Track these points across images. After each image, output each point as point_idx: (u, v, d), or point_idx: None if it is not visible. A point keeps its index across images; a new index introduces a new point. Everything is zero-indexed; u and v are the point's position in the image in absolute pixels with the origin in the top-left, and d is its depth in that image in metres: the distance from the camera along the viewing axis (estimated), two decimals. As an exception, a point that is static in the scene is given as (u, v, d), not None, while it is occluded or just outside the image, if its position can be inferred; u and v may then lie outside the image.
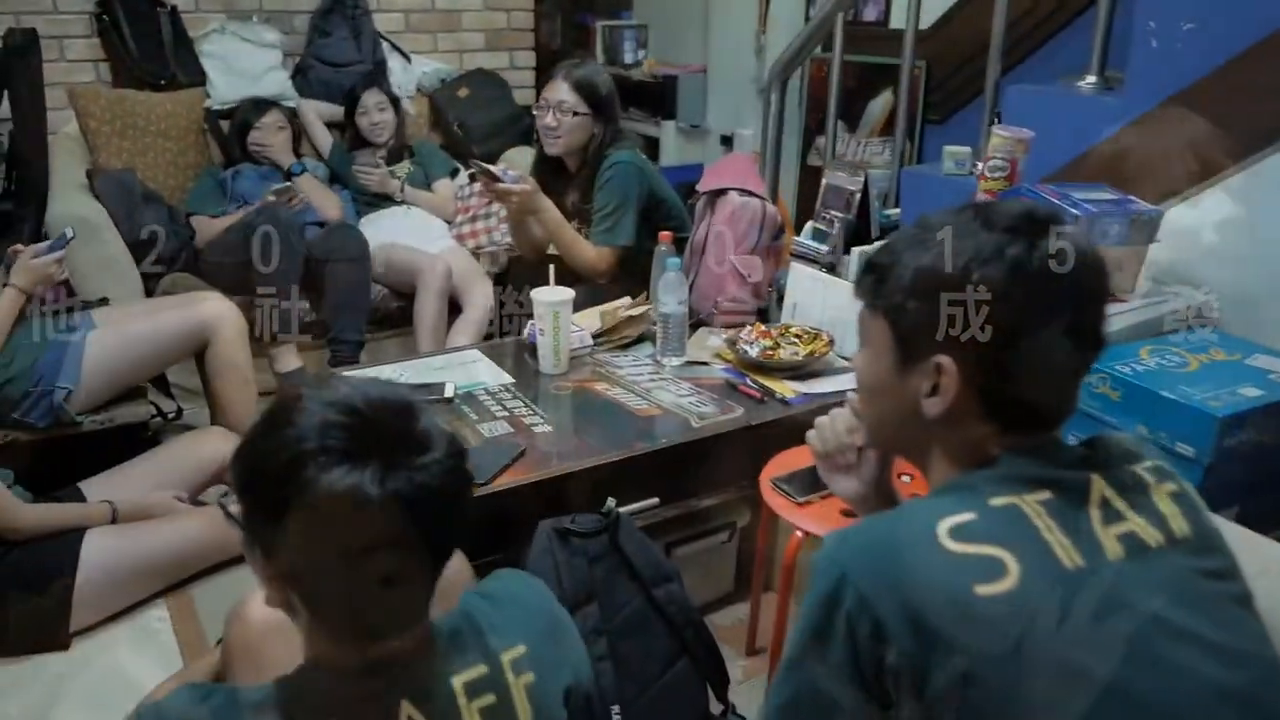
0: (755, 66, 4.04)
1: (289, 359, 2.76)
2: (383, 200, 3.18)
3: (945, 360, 0.85)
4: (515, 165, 3.17)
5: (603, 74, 2.44)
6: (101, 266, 2.64)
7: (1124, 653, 0.74)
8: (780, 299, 2.36)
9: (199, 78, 3.36)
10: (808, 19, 3.82)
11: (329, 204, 3.09)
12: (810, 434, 1.16)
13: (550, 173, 2.46)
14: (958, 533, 0.79)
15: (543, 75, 4.11)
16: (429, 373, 2.04)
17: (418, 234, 3.08)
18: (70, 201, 2.77)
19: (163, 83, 3.30)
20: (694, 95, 4.37)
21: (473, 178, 2.36)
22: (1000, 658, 0.74)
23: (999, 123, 1.84)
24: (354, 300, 2.81)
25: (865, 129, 3.61)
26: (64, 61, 3.28)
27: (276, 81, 3.41)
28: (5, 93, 2.82)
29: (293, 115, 3.35)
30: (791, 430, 1.81)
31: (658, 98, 4.31)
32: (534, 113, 2.46)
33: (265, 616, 1.21)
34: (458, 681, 0.87)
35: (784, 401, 1.87)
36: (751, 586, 1.82)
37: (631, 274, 2.42)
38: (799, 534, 1.42)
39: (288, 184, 2.95)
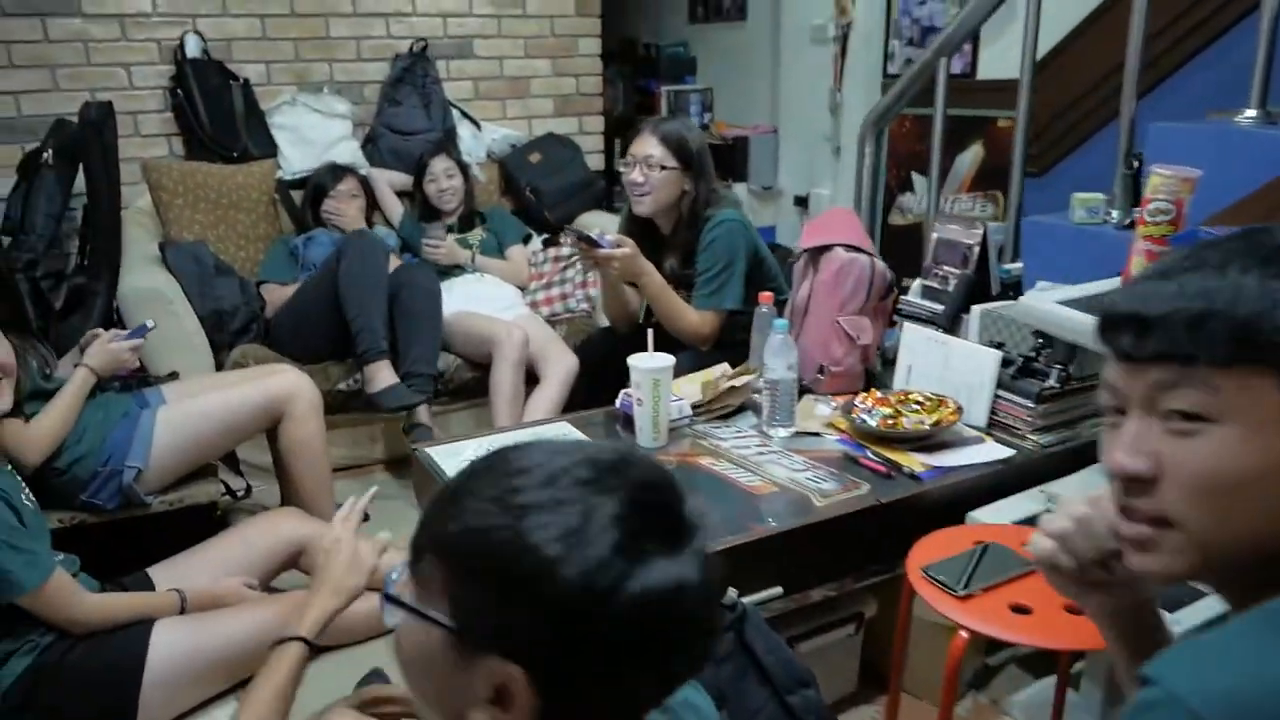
0: (830, 124, 3.93)
1: (383, 375, 2.62)
2: (455, 269, 3.08)
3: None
4: (596, 228, 3.08)
5: (693, 128, 2.33)
6: (173, 340, 2.56)
7: None
8: (886, 362, 2.19)
9: (270, 149, 3.33)
10: (885, 74, 3.71)
11: None
12: (1044, 543, 0.82)
13: (640, 235, 2.32)
14: None
15: (613, 139, 4.08)
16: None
17: (491, 302, 2.96)
18: (143, 275, 2.71)
19: (235, 155, 3.27)
20: (765, 156, 4.27)
21: (575, 240, 2.22)
22: None
23: (1141, 164, 1.67)
24: (427, 332, 2.70)
25: (953, 185, 3.46)
26: (138, 136, 3.27)
27: (348, 151, 3.37)
28: (80, 167, 2.80)
29: (365, 183, 3.30)
30: (925, 509, 1.63)
31: (727, 160, 4.22)
32: (620, 170, 2.35)
33: None
34: None
35: (914, 476, 1.68)
36: (889, 687, 1.60)
37: (726, 339, 2.28)
38: (964, 634, 1.22)
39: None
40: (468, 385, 2.87)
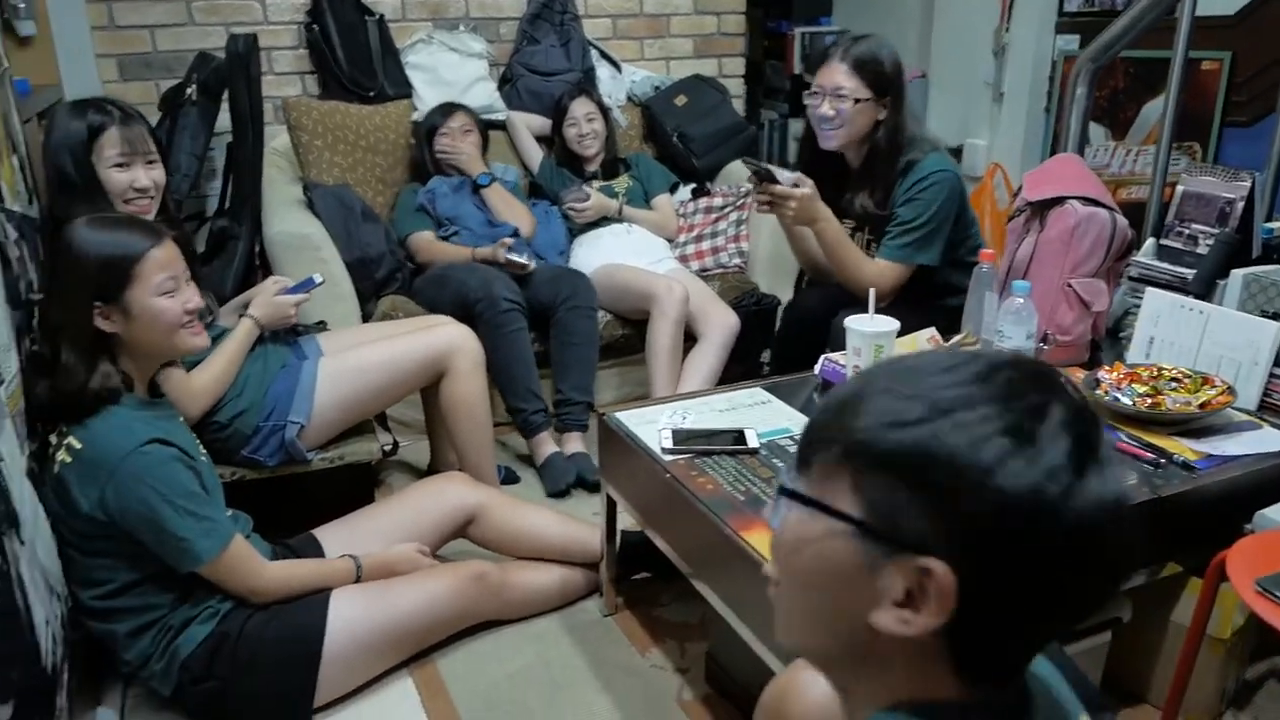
0: (993, 68, 3.62)
1: (546, 447, 2.48)
2: (602, 219, 2.91)
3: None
4: (743, 181, 2.88)
5: (887, 49, 2.09)
6: (320, 289, 2.44)
7: None
8: (1112, 331, 1.96)
9: (405, 89, 3.19)
10: (1061, 14, 3.39)
11: (520, 218, 2.83)
12: None
13: (821, 168, 2.12)
14: None
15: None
16: (715, 415, 1.72)
17: (642, 255, 2.79)
18: (288, 219, 2.61)
19: (371, 95, 3.14)
20: (913, 103, 3.96)
21: (758, 175, 2.03)
22: None
23: None
24: (585, 356, 2.52)
25: (1139, 135, 3.14)
26: (272, 74, 3.16)
27: (484, 92, 3.21)
28: (224, 104, 2.70)
29: (497, 127, 3.14)
30: (1202, 505, 1.42)
31: (873, 106, 3.94)
32: (804, 101, 2.14)
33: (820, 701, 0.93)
34: None
35: (1187, 466, 1.47)
36: (1167, 700, 1.41)
37: (914, 299, 2.07)
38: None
39: (515, 258, 2.60)
40: (618, 342, 2.71)
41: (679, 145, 3.19)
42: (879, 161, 2.08)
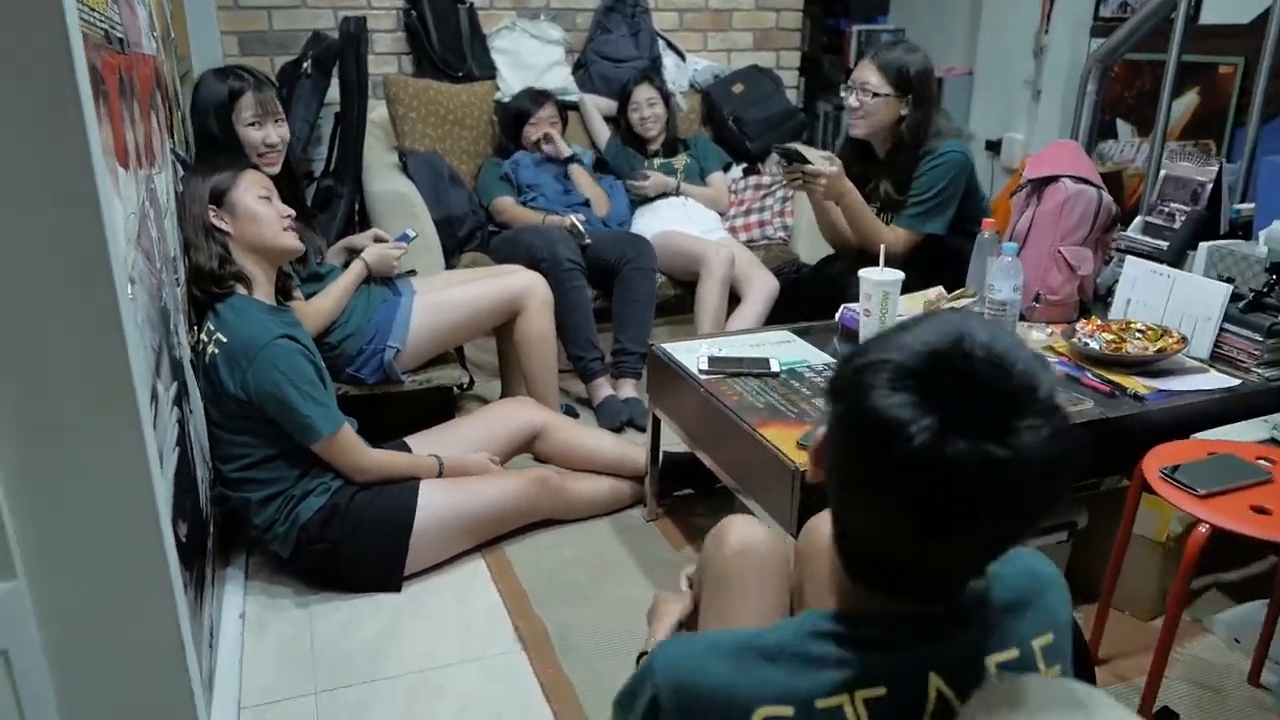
0: (1032, 68, 3.87)
1: (603, 389, 2.78)
2: (661, 194, 3.24)
3: None
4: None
5: (916, 55, 2.38)
6: (413, 241, 2.82)
7: None
8: (1098, 296, 2.23)
9: (490, 71, 3.55)
10: (1096, 20, 3.63)
11: (598, 198, 3.18)
12: None
13: (855, 157, 2.43)
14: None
15: (801, 76, 4.15)
16: (746, 348, 2.05)
17: (695, 224, 3.12)
18: (386, 180, 2.99)
19: (459, 75, 3.50)
20: (958, 99, 4.23)
21: (786, 157, 2.35)
22: None
23: None
24: (643, 313, 2.83)
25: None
26: (372, 54, 3.53)
27: (560, 76, 3.56)
28: (334, 78, 3.09)
29: (571, 108, 3.48)
30: (1146, 428, 1.70)
31: (920, 100, 4.20)
32: (841, 94, 2.46)
33: (741, 543, 1.25)
34: (991, 662, 0.82)
35: (1137, 397, 1.75)
36: (1094, 597, 1.70)
37: (927, 264, 2.36)
38: (1204, 528, 1.31)
39: (579, 228, 2.93)
40: (669, 301, 3.04)
41: (734, 129, 3.51)
42: (901, 153, 2.38)
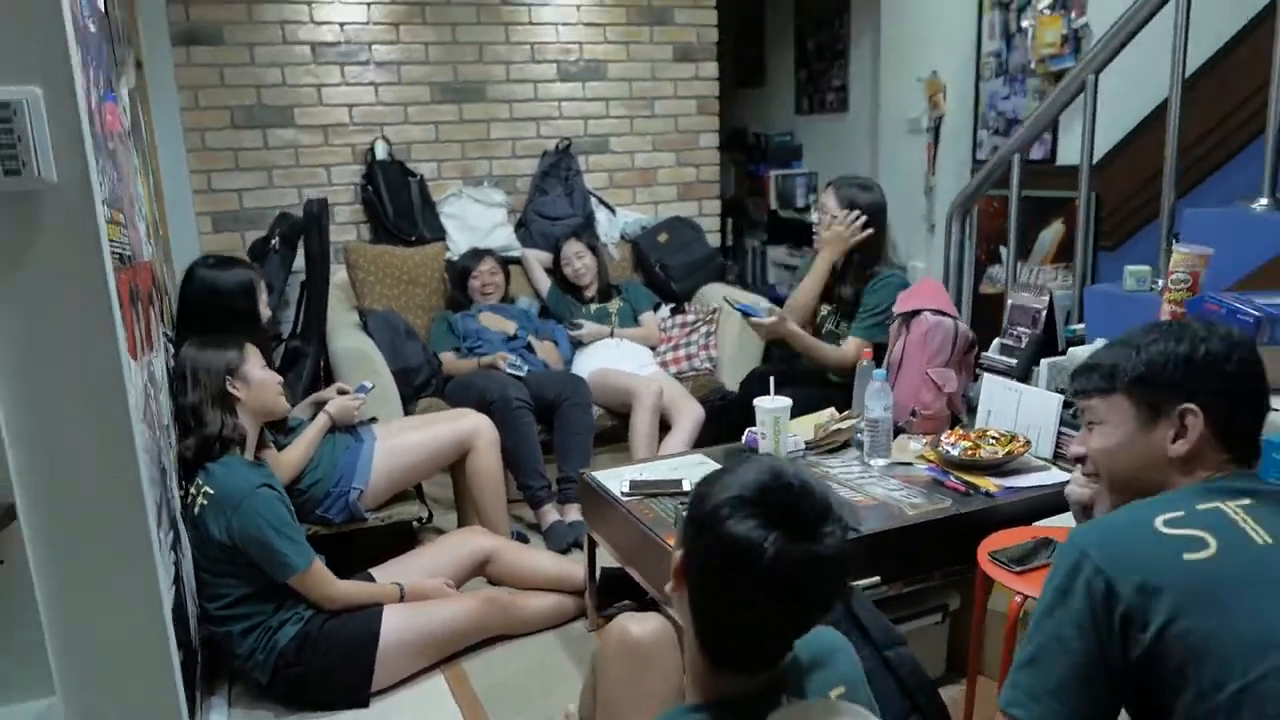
0: (925, 205, 4.36)
1: (550, 515, 3.05)
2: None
3: (1193, 407, 1.18)
4: (712, 301, 3.59)
5: (870, 188, 2.86)
6: (373, 392, 3.13)
7: None
8: (970, 408, 2.59)
9: (440, 234, 3.95)
10: (974, 161, 4.14)
11: (552, 357, 3.55)
12: (1075, 492, 1.49)
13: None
14: (1169, 523, 1.09)
15: (725, 218, 4.62)
16: (665, 471, 2.36)
17: (628, 361, 3.48)
18: (348, 338, 3.33)
19: (412, 239, 3.90)
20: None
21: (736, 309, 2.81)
22: (1203, 603, 1.02)
23: (1178, 242, 2.06)
24: (583, 444, 3.15)
25: (1037, 257, 3.83)
26: (334, 224, 3.93)
27: (504, 235, 3.97)
28: (299, 251, 3.46)
29: (514, 262, 3.88)
30: (997, 520, 2.02)
31: (831, 236, 4.68)
32: (810, 215, 2.91)
33: (640, 633, 1.51)
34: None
35: (988, 495, 2.09)
36: (967, 668, 1.99)
37: (839, 387, 2.73)
38: (1018, 599, 1.62)
39: (500, 365, 3.29)
40: (607, 431, 3.37)
41: (661, 273, 3.93)
42: (852, 266, 2.81)
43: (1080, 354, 2.12)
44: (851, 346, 2.76)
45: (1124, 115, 3.34)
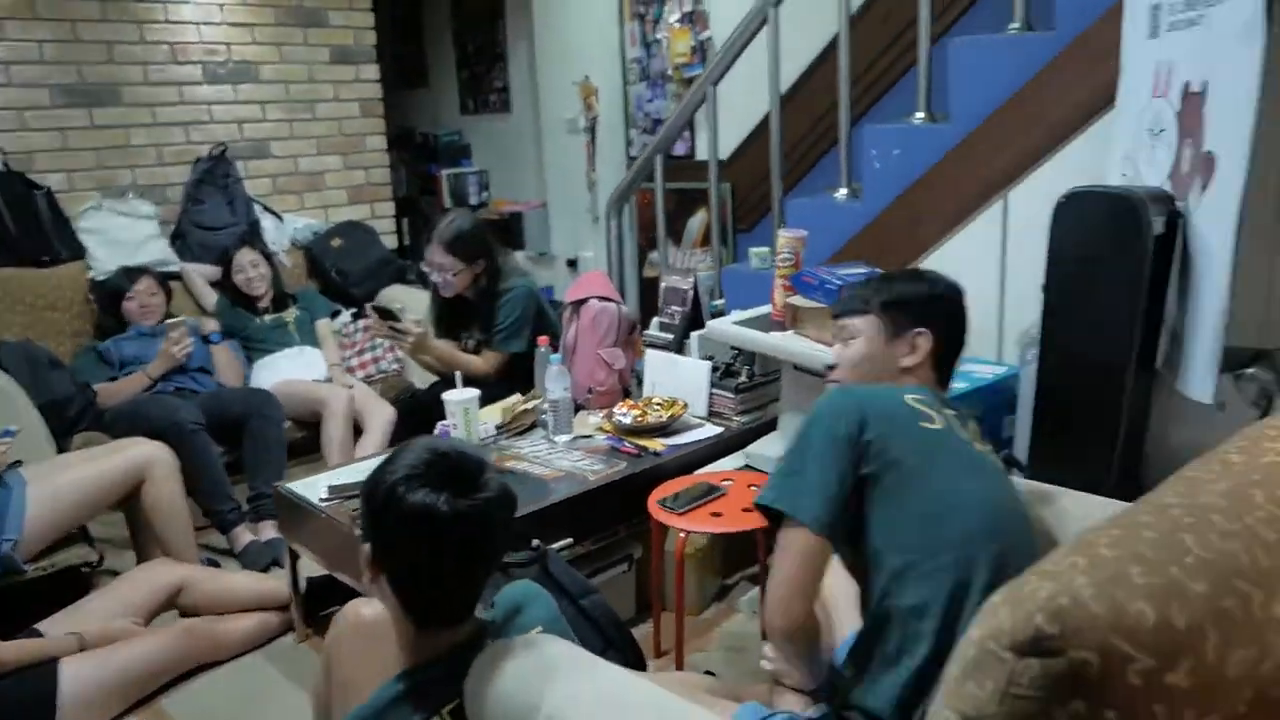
0: (589, 199, 4.67)
1: (244, 537, 2.93)
2: (276, 345, 3.51)
3: (924, 331, 1.54)
4: (397, 301, 3.62)
5: (469, 225, 2.93)
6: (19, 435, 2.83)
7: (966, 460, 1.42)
8: (639, 380, 2.87)
9: (80, 251, 3.61)
10: (628, 157, 4.50)
11: (233, 375, 3.42)
12: (769, 668, 1.56)
13: (451, 312, 3.00)
14: (913, 401, 1.44)
15: (400, 218, 4.64)
16: (362, 473, 2.39)
17: (313, 370, 3.43)
18: (-22, 375, 2.97)
19: (46, 260, 3.52)
20: (538, 227, 4.96)
21: (380, 314, 2.80)
22: (923, 452, 1.38)
23: (784, 227, 2.45)
24: (275, 457, 3.07)
25: (689, 241, 4.26)
26: (-54, 251, 3.48)
27: (158, 248, 3.72)
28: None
29: (173, 278, 3.65)
30: (664, 474, 2.30)
31: (506, 231, 4.89)
32: (424, 270, 2.96)
33: (371, 614, 1.55)
34: None
35: (656, 454, 2.36)
36: (651, 604, 2.25)
37: (518, 376, 2.89)
38: (682, 535, 1.88)
39: (179, 321, 3.17)
40: (298, 443, 3.30)
41: (338, 279, 3.89)
42: (484, 298, 2.92)
43: (719, 325, 2.45)
44: (489, 357, 2.92)
45: (749, 114, 3.81)
